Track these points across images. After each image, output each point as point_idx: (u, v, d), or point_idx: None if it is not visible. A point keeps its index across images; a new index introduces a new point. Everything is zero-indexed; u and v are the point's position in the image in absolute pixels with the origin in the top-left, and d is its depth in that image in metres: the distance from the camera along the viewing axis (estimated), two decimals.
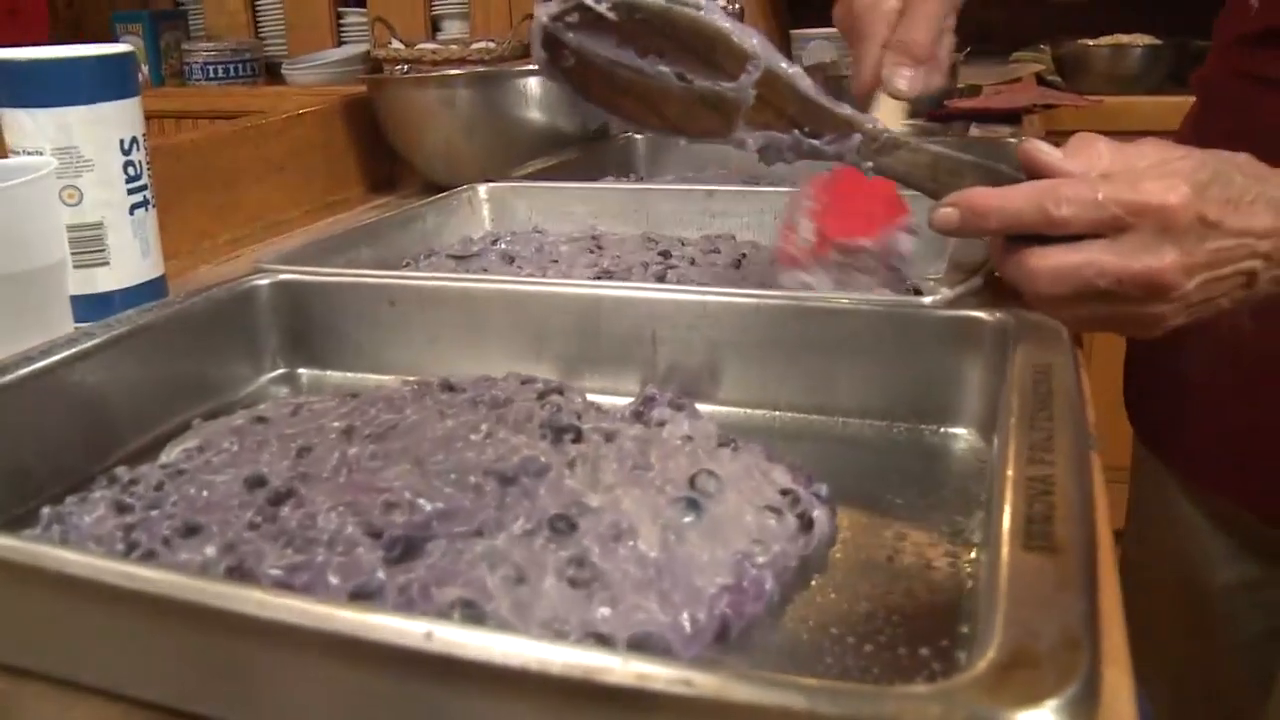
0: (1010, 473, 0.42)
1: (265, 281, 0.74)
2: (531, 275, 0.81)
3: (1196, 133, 0.94)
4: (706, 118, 0.65)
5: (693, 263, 0.83)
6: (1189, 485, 0.91)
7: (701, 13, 0.64)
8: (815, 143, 0.64)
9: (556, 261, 0.84)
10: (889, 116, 0.69)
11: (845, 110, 0.64)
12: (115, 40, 2.92)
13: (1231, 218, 0.54)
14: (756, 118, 0.64)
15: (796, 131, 0.64)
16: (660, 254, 0.85)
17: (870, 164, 0.64)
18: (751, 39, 0.63)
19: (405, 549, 0.43)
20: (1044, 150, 0.57)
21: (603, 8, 0.64)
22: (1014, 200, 0.55)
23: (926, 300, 0.63)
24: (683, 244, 0.88)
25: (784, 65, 0.64)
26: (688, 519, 0.46)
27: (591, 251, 0.86)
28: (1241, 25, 0.83)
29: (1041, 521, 0.37)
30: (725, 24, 0.64)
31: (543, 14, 0.67)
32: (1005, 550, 0.36)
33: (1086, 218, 0.53)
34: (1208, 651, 0.95)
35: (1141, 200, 0.52)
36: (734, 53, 0.63)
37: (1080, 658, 0.31)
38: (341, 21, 3.05)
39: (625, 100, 0.67)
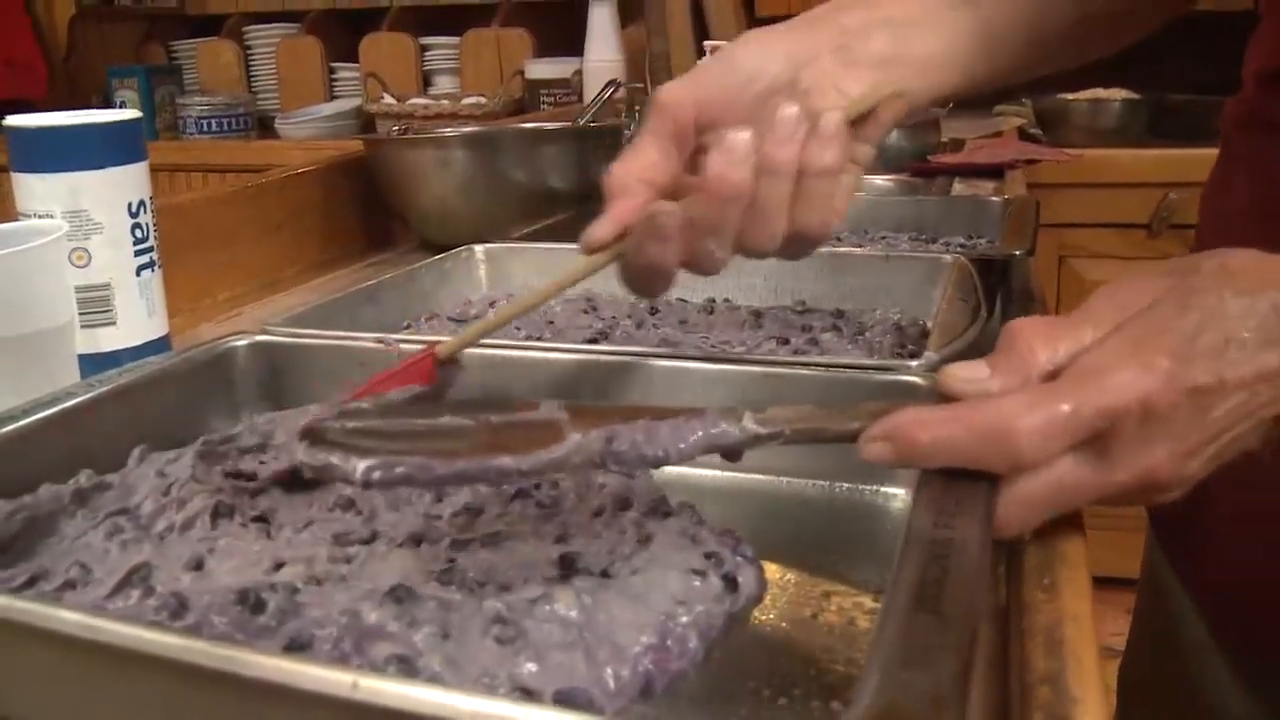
0: (915, 535, 0.42)
1: (243, 343, 0.74)
2: (528, 336, 0.83)
3: (1217, 208, 0.76)
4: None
5: (683, 322, 0.86)
6: (1204, 611, 0.78)
7: None
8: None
9: (552, 323, 0.87)
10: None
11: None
12: (110, 93, 2.97)
13: (1233, 367, 0.42)
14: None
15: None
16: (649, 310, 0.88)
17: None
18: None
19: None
20: (970, 378, 0.46)
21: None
22: (958, 434, 0.44)
23: (893, 363, 0.64)
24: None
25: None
26: (603, 584, 0.47)
27: (586, 313, 0.89)
28: (1263, 56, 0.67)
29: (934, 585, 0.38)
30: None
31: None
32: (896, 610, 0.37)
33: (1059, 444, 0.43)
34: None
35: (1111, 403, 0.41)
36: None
37: (947, 715, 0.32)
38: (334, 76, 3.09)
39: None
